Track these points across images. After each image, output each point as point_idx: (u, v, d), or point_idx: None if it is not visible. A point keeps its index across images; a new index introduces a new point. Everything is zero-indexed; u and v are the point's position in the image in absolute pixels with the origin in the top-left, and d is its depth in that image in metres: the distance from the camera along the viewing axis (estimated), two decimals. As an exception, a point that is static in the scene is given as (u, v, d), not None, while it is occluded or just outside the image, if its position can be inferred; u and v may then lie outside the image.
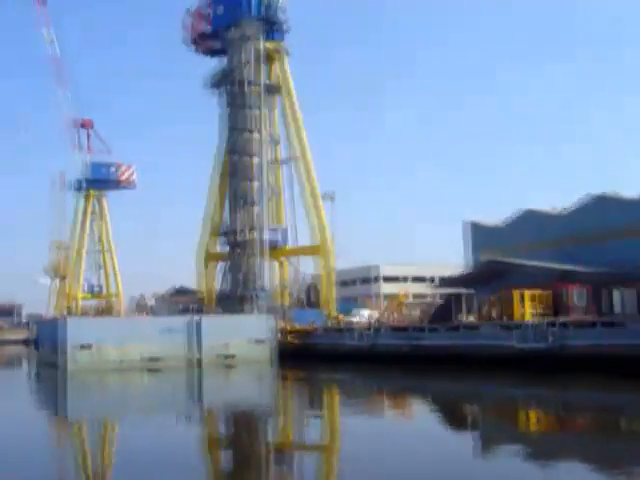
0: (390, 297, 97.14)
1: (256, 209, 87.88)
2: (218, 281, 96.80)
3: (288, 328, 76.49)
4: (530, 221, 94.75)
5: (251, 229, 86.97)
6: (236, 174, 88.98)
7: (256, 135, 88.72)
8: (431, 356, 59.94)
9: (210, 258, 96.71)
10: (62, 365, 66.76)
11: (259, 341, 72.34)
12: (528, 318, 60.53)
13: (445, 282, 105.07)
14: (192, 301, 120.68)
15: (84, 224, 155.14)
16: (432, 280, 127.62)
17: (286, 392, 53.62)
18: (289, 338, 75.17)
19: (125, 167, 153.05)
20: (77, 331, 66.42)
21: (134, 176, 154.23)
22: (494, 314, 64.62)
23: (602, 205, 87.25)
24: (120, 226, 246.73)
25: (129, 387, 58.59)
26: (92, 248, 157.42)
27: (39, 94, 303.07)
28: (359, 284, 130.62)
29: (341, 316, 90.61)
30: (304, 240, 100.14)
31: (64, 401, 50.46)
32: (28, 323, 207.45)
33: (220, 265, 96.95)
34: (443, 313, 65.60)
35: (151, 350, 67.66)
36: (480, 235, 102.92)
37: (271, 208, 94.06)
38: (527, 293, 62.96)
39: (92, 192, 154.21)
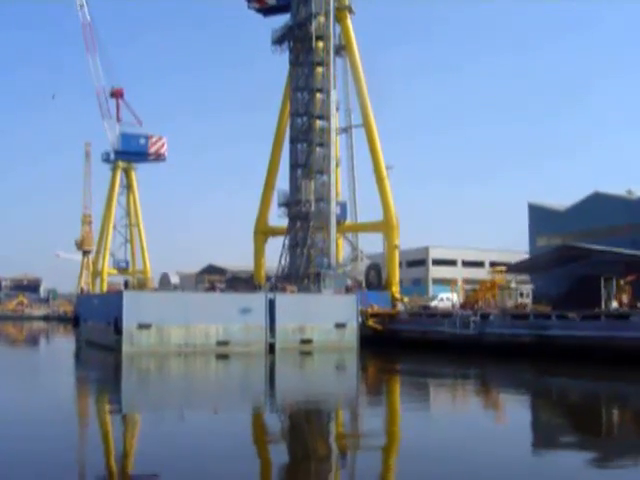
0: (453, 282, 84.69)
1: (324, 178, 75.42)
2: (269, 258, 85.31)
3: (369, 311, 64.44)
4: (597, 205, 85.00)
5: (317, 200, 74.60)
6: (300, 139, 76.59)
7: (324, 95, 76.13)
8: (560, 348, 48.15)
9: (263, 232, 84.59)
10: (115, 347, 54.86)
11: (340, 325, 60.44)
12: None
13: (512, 268, 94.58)
14: (223, 280, 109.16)
15: (111, 197, 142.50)
16: (484, 264, 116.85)
17: (377, 389, 41.39)
18: (371, 322, 63.20)
19: (156, 138, 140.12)
20: (135, 308, 54.31)
21: (164, 148, 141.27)
22: (625, 300, 53.17)
23: None
24: (150, 200, 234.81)
25: (194, 376, 47.15)
26: (120, 222, 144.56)
27: (72, 62, 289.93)
28: (405, 267, 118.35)
29: (406, 298, 79.35)
30: (362, 217, 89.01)
31: (117, 391, 39.12)
32: (48, 298, 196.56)
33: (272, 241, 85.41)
34: (572, 298, 53.38)
35: (221, 332, 55.75)
36: (540, 219, 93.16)
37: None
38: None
39: (121, 164, 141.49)
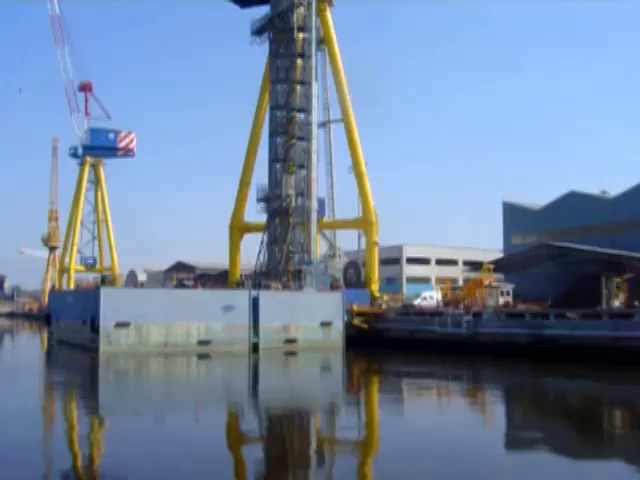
0: (445, 280, 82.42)
1: (304, 172, 72.37)
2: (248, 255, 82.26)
3: (355, 309, 61.48)
4: (573, 204, 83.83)
5: (298, 195, 71.57)
6: (280, 132, 73.47)
7: (305, 88, 73.08)
8: (558, 349, 45.74)
9: (239, 228, 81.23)
10: (91, 346, 51.34)
11: (325, 324, 57.54)
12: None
13: (479, 266, 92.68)
14: (192, 277, 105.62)
15: (79, 193, 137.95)
16: (458, 263, 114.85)
17: (364, 391, 38.57)
18: (356, 321, 60.27)
19: (125, 133, 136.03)
20: (112, 305, 50.79)
21: (133, 144, 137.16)
22: (622, 299, 50.97)
23: None
24: (119, 197, 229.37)
25: (174, 377, 43.82)
26: (88, 218, 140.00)
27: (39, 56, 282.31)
28: (379, 265, 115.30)
29: (385, 296, 76.64)
30: (338, 213, 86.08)
31: (94, 395, 35.68)
32: (13, 296, 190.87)
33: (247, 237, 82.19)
34: (569, 297, 50.94)
35: (202, 331, 52.46)
36: (515, 218, 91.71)
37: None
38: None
39: (89, 159, 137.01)
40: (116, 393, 35.94)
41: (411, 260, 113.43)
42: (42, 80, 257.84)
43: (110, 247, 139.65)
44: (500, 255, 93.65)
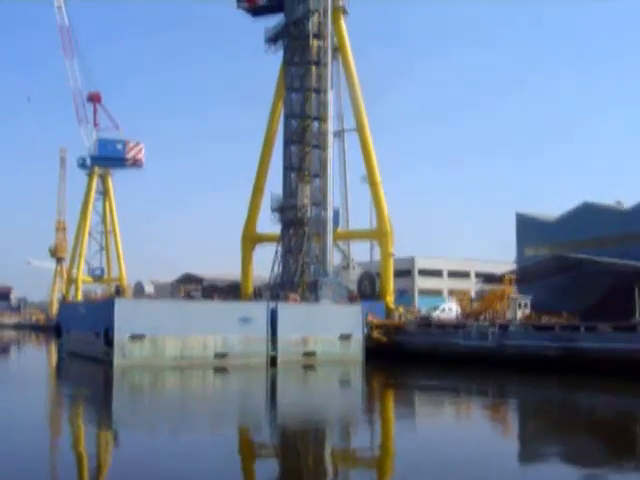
0: (463, 292, 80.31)
1: (319, 182, 70.49)
2: (257, 267, 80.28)
3: (375, 322, 59.48)
4: (587, 216, 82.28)
5: (313, 205, 69.65)
6: (295, 140, 71.64)
7: (320, 96, 71.29)
8: (589, 362, 43.59)
9: (251, 239, 79.26)
10: (105, 359, 49.39)
11: (345, 337, 55.46)
12: None
13: (493, 278, 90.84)
14: (199, 289, 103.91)
15: (87, 204, 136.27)
16: (470, 275, 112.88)
17: (385, 408, 36.35)
18: (375, 334, 58.24)
19: (133, 144, 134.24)
20: (127, 317, 48.75)
21: (142, 154, 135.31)
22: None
23: None
24: (127, 208, 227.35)
25: (190, 392, 41.86)
26: (96, 229, 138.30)
27: (48, 66, 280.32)
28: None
29: (401, 308, 74.76)
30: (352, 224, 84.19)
31: (108, 407, 34.14)
32: (19, 307, 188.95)
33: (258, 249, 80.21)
34: (601, 309, 48.89)
35: (219, 344, 50.49)
36: (528, 229, 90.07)
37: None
38: None
39: (97, 170, 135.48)
40: (131, 407, 34.11)
41: (423, 272, 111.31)
42: (50, 89, 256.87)
43: (118, 258, 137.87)
44: (512, 267, 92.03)
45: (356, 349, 55.82)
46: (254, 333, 51.62)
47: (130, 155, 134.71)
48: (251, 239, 79.04)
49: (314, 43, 72.13)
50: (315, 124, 71.83)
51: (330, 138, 71.57)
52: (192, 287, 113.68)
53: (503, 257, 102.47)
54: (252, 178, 79.86)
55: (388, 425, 30.01)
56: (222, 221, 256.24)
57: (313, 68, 71.67)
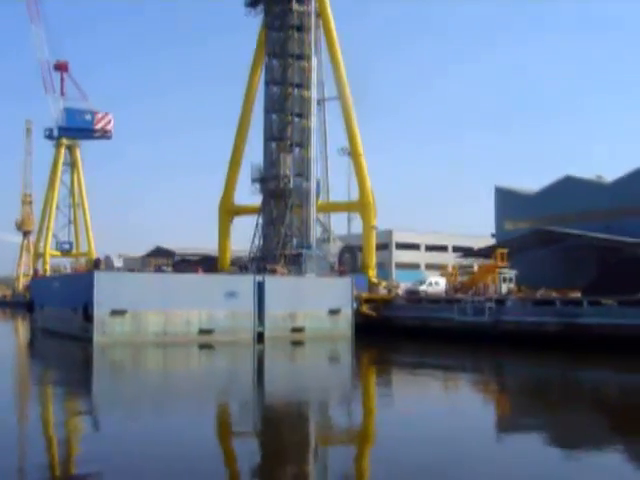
0: (453, 266, 77.88)
1: (302, 151, 67.65)
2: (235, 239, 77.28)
3: (363, 296, 57.02)
4: (568, 189, 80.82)
5: (295, 175, 66.77)
6: (276, 109, 68.55)
7: (302, 62, 68.26)
8: (595, 338, 41.52)
9: (229, 211, 76.10)
10: (83, 336, 46.37)
11: (334, 311, 52.89)
12: None
13: (479, 252, 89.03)
14: (170, 263, 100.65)
15: (55, 176, 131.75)
16: (447, 249, 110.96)
17: (379, 386, 33.84)
18: (365, 309, 55.75)
19: (102, 114, 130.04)
20: (107, 291, 45.63)
21: (111, 125, 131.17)
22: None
23: None
24: (97, 181, 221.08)
25: (174, 370, 39.14)
26: (64, 202, 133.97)
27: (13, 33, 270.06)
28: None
29: (383, 282, 72.53)
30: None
31: (88, 388, 31.32)
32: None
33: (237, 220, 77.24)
34: (604, 283, 46.83)
35: (204, 319, 47.66)
36: (508, 203, 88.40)
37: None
38: None
39: (65, 141, 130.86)
40: (111, 388, 31.17)
41: (400, 246, 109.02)
42: (16, 59, 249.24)
43: (87, 231, 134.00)
44: (491, 241, 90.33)
45: (345, 324, 53.40)
46: (240, 308, 48.92)
47: (99, 126, 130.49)
48: (229, 211, 75.89)
49: (295, 7, 68.98)
50: (297, 91, 68.81)
51: (313, 106, 68.67)
52: (163, 261, 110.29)
53: (481, 231, 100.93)
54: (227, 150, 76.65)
55: (377, 405, 27.57)
56: (194, 194, 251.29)
57: (295, 33, 68.57)
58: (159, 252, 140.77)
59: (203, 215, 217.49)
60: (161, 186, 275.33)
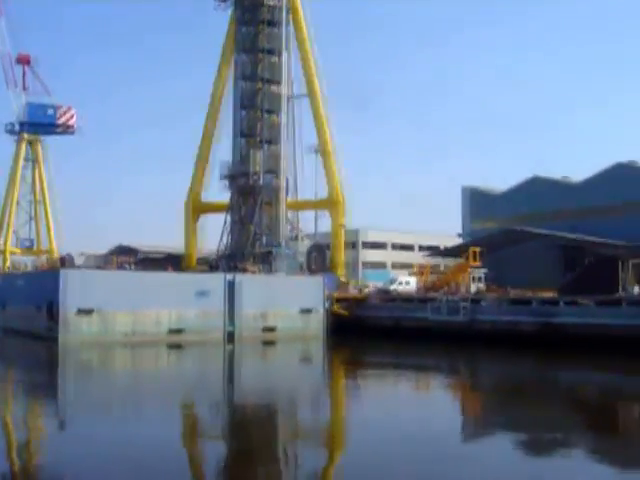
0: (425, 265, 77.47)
1: (272, 148, 66.48)
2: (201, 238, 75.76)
3: (336, 296, 56.07)
4: (536, 189, 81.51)
5: (266, 172, 65.56)
6: (246, 105, 67.23)
7: (273, 57, 67.12)
8: (568, 338, 41.16)
9: (197, 209, 74.52)
10: (48, 336, 44.79)
11: (306, 311, 51.87)
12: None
13: (441, 252, 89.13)
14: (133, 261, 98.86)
15: (16, 172, 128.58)
16: (414, 248, 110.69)
17: (351, 389, 32.90)
18: (337, 308, 54.79)
19: (65, 109, 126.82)
20: (73, 289, 44.12)
21: (74, 120, 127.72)
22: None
23: (618, 175, 74.23)
24: (61, 178, 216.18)
25: (142, 371, 38.19)
26: (25, 198, 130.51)
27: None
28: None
29: (352, 282, 71.95)
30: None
31: (53, 390, 30.32)
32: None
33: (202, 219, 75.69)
34: (582, 282, 46.48)
35: (173, 319, 46.36)
36: (476, 202, 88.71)
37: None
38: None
39: (26, 136, 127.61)
40: (77, 390, 30.19)
41: (367, 245, 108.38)
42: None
43: (48, 229, 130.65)
44: (457, 240, 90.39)
45: (318, 324, 52.45)
46: (211, 307, 47.72)
47: (61, 121, 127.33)
48: (196, 209, 74.30)
49: (266, 0, 67.81)
50: (267, 87, 67.63)
51: (284, 103, 67.55)
52: (125, 259, 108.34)
53: (446, 231, 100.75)
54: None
55: (346, 407, 27.14)
56: (159, 192, 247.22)
57: (265, 28, 67.33)
58: (122, 250, 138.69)
59: (168, 213, 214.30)
60: (126, 182, 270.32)
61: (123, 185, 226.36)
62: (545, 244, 70.00)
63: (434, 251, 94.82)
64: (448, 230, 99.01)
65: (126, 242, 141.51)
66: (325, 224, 75.89)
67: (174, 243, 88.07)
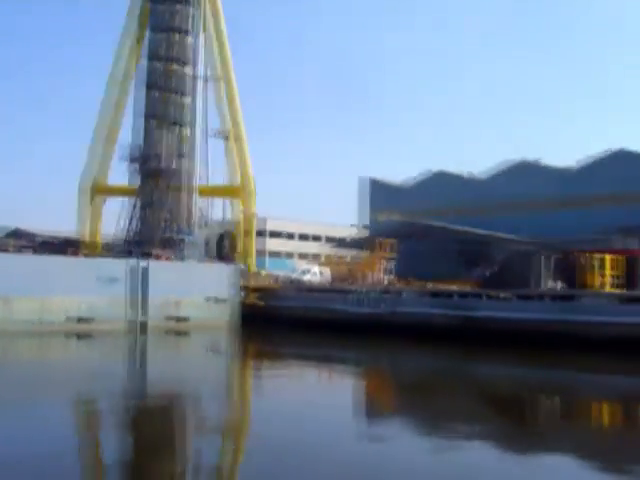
0: (334, 255, 76.81)
1: (183, 131, 64.15)
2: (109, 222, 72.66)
3: (251, 285, 54.38)
4: (441, 184, 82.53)
5: (176, 156, 63.22)
6: (157, 85, 64.60)
7: (189, 39, 64.72)
8: (490, 332, 40.95)
9: (101, 191, 71.13)
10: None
11: (219, 300, 50.00)
12: (609, 289, 44.10)
13: (346, 243, 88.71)
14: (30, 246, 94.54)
15: None
16: (319, 239, 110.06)
17: (256, 379, 32.14)
18: (252, 298, 53.08)
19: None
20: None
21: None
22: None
23: (523, 172, 75.62)
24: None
25: (45, 362, 35.38)
26: None
27: None
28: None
29: (263, 271, 70.70)
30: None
31: None
32: None
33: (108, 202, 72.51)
34: (498, 277, 46.46)
35: (83, 307, 43.78)
36: (380, 195, 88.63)
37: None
38: (608, 258, 45.59)
39: None
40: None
41: (273, 234, 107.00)
42: None
43: None
44: (352, 231, 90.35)
45: (232, 314, 50.67)
46: (121, 295, 45.26)
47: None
48: (100, 191, 70.85)
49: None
50: (179, 68, 65.18)
51: (198, 85, 65.36)
52: (23, 243, 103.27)
53: (340, 221, 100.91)
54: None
55: (251, 399, 26.45)
56: (50, 174, 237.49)
57: (182, 7, 64.86)
58: (18, 234, 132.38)
59: (62, 196, 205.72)
60: (17, 166, 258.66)
61: (15, 168, 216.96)
62: (448, 238, 70.28)
63: (341, 242, 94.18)
64: (342, 220, 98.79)
65: (24, 226, 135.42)
66: (229, 212, 74.23)
67: (66, 227, 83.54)
